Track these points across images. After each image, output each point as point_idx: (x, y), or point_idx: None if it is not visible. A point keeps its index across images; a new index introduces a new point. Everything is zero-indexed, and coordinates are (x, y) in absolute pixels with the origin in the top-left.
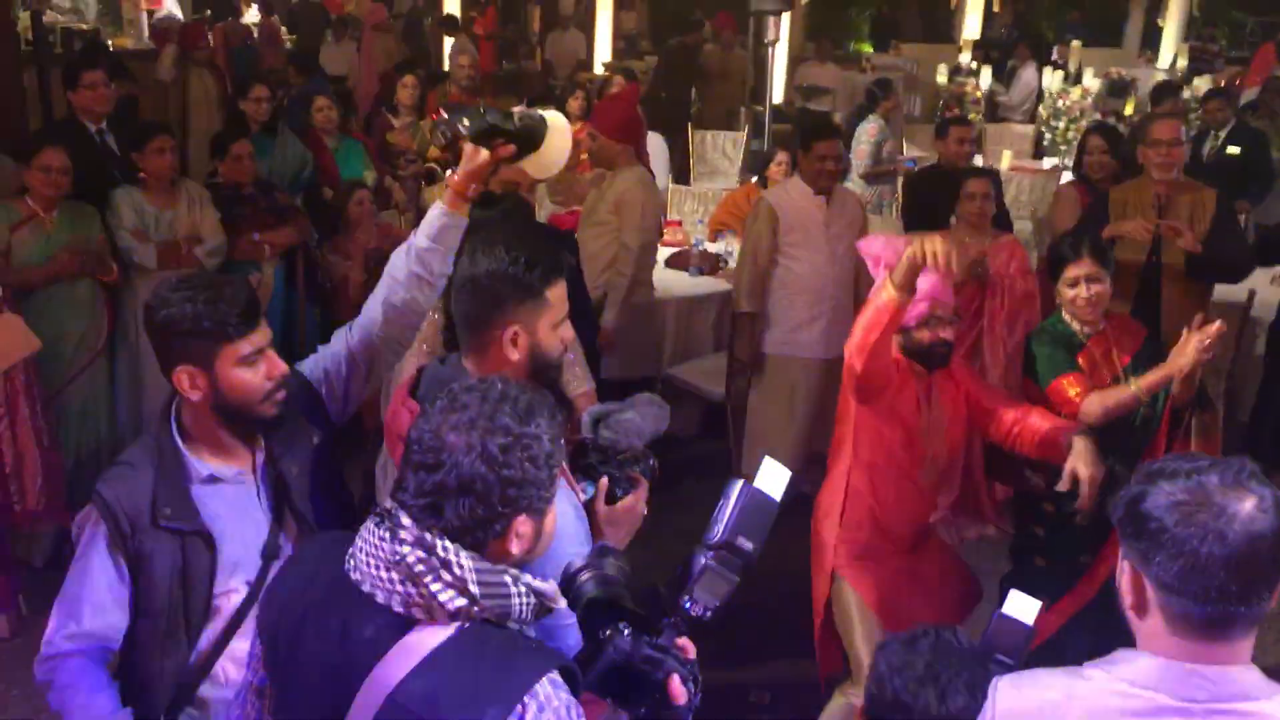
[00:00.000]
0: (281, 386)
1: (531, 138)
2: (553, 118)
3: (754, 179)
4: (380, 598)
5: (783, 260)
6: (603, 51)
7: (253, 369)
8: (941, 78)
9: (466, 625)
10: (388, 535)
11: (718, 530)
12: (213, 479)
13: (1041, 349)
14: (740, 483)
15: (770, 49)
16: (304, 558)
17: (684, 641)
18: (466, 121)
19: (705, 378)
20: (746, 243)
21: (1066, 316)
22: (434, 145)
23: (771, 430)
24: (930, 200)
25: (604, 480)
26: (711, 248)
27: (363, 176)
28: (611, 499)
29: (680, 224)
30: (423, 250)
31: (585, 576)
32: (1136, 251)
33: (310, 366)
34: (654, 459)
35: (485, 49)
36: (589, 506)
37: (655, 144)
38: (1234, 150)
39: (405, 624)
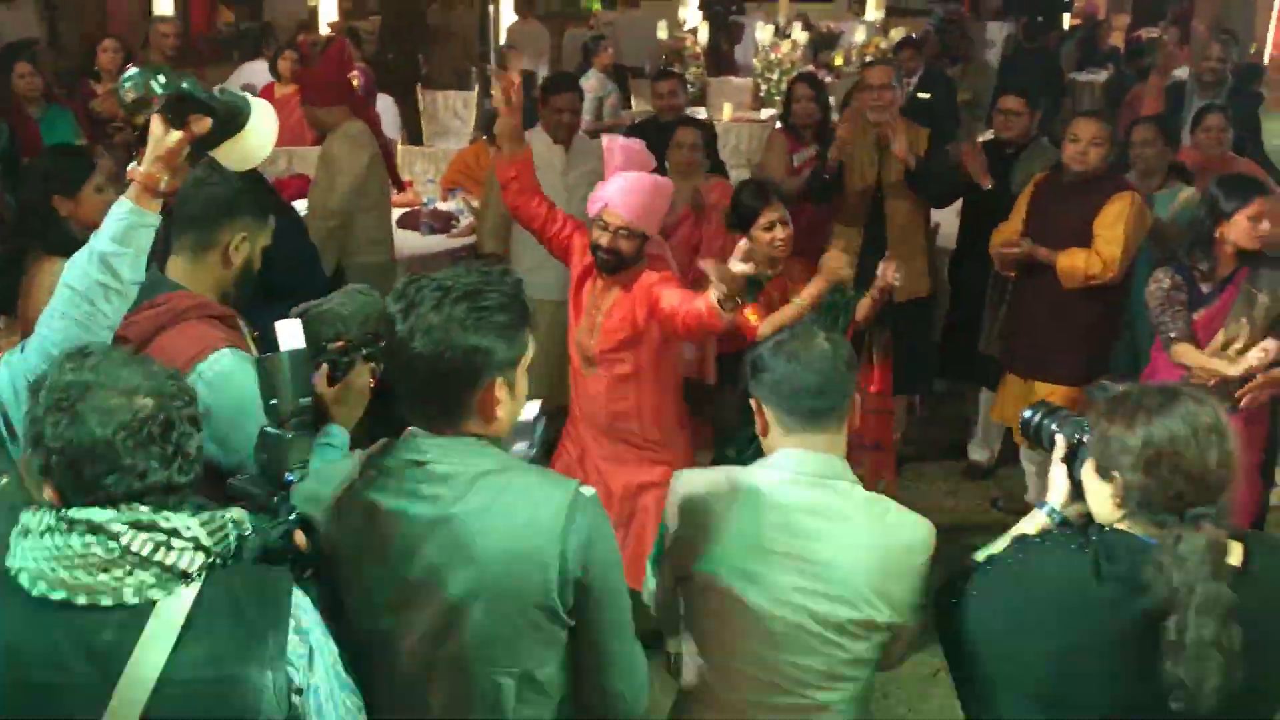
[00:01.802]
0: None
1: (235, 117)
2: (259, 103)
3: (484, 137)
4: (107, 601)
5: None
6: (329, 11)
7: None
8: (662, 33)
9: (204, 580)
10: (87, 540)
11: (285, 404)
12: None
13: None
14: (274, 355)
15: (492, 7)
16: None
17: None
18: (161, 79)
19: None
20: (490, 192)
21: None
22: (121, 106)
23: None
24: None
25: (323, 366)
26: (443, 206)
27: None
28: (332, 382)
29: (410, 184)
30: (107, 255)
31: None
32: (864, 179)
33: None
34: (382, 342)
35: (197, 9)
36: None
37: (384, 105)
38: (924, 95)
39: (141, 609)
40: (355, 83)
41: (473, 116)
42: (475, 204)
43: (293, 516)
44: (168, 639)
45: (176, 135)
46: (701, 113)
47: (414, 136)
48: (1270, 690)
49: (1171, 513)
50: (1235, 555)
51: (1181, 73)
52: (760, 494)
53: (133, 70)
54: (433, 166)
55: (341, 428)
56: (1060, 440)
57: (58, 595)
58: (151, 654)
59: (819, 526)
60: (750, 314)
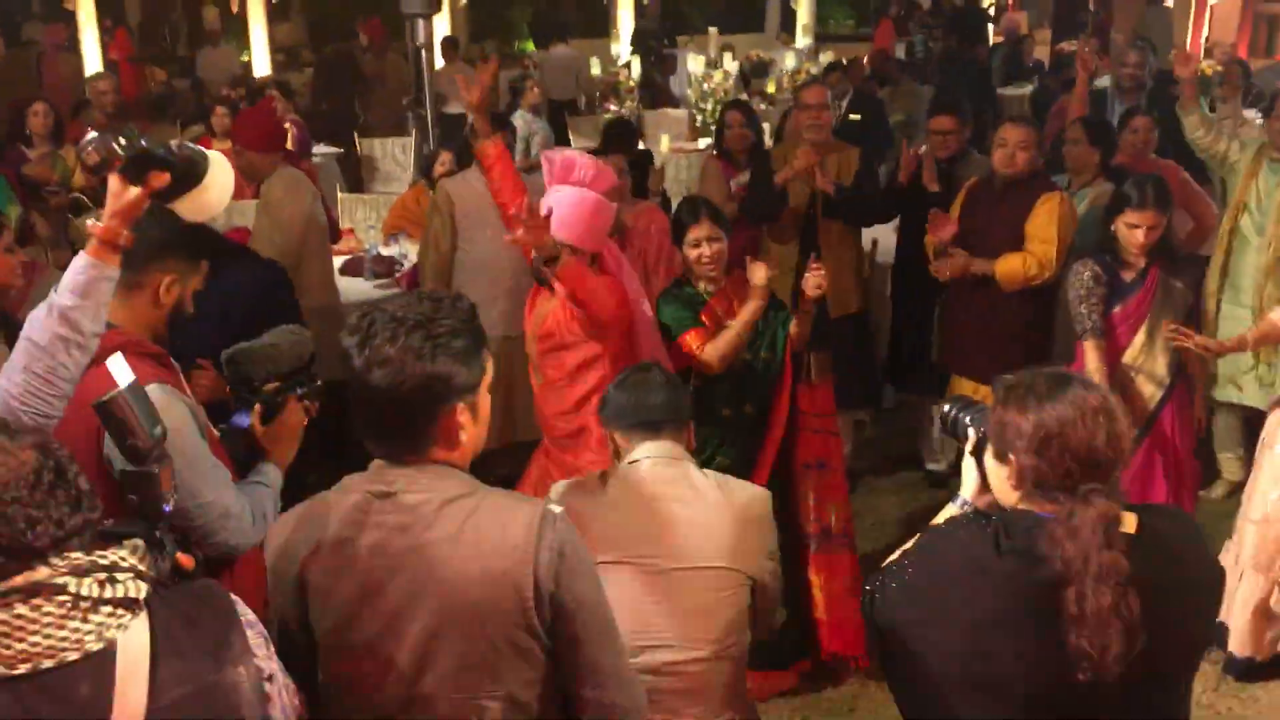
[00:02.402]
0: None
1: (192, 170)
2: (215, 156)
3: (423, 180)
4: (73, 655)
5: (462, 244)
6: (261, 65)
7: None
8: (595, 69)
9: (150, 607)
10: (35, 603)
11: (142, 439)
12: None
13: (667, 309)
14: (114, 396)
15: (424, 52)
16: None
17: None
18: (123, 140)
19: None
20: (429, 233)
21: (691, 278)
22: (82, 168)
23: None
24: None
25: (257, 406)
26: (385, 251)
27: (6, 211)
28: (266, 421)
29: (352, 232)
30: (68, 309)
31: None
32: (800, 197)
33: None
34: (319, 380)
35: (127, 73)
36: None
37: (323, 153)
38: (855, 116)
39: (107, 653)
40: (290, 135)
41: (411, 161)
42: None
43: (173, 547)
44: (142, 671)
45: (135, 191)
46: (641, 145)
47: (354, 184)
48: (1173, 653)
49: (1064, 490)
50: (1130, 525)
51: (1104, 81)
52: (628, 479)
53: (93, 134)
54: (374, 213)
55: (275, 466)
56: (971, 432)
57: (22, 669)
58: (132, 690)
59: (680, 493)
60: (691, 338)
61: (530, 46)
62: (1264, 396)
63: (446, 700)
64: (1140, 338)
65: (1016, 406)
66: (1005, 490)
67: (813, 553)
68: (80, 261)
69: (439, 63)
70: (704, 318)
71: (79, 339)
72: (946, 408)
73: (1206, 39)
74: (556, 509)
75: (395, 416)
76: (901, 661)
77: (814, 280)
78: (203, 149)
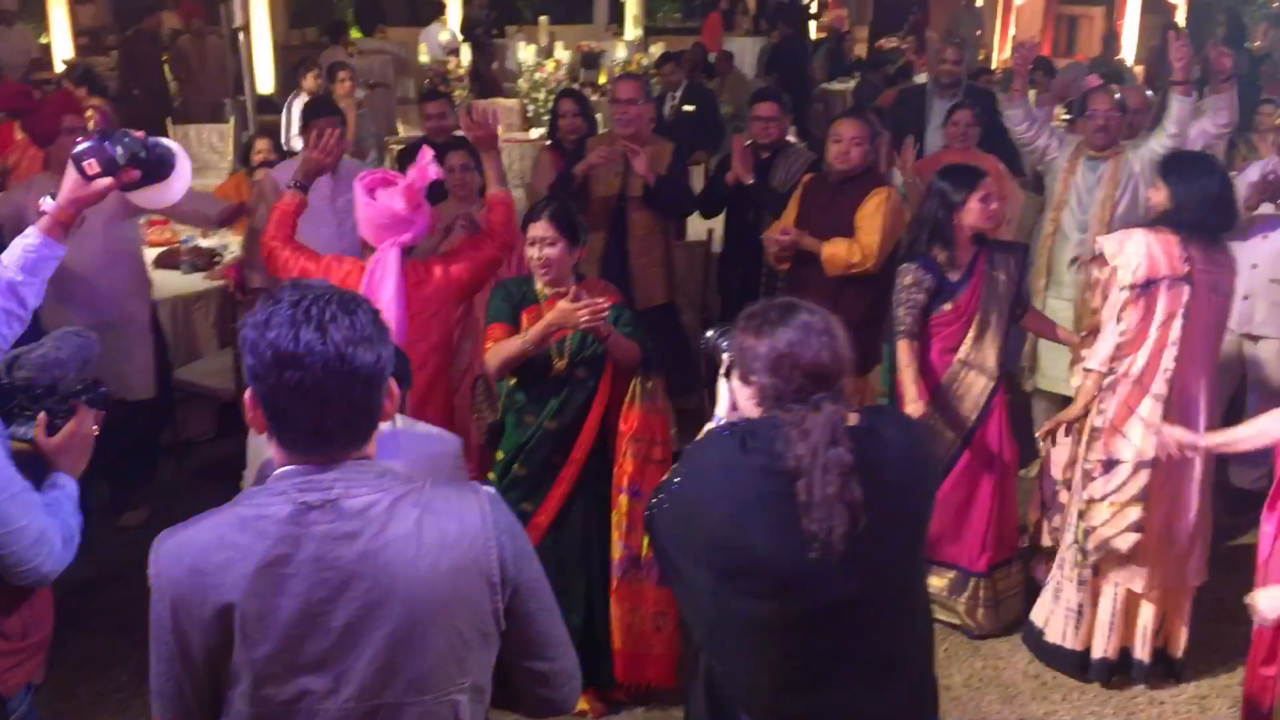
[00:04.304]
0: None
1: (161, 167)
2: (180, 150)
3: (242, 168)
4: None
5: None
6: (63, 48)
7: None
8: (424, 57)
9: None
10: None
11: None
12: None
13: (494, 299)
14: None
15: (241, 35)
16: None
17: None
18: (120, 150)
19: (214, 377)
20: (255, 222)
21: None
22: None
23: None
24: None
25: (41, 415)
26: (204, 243)
27: None
28: (52, 431)
29: (167, 222)
30: (17, 284)
31: None
32: (609, 188)
33: None
34: (103, 387)
35: None
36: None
37: None
38: (689, 107)
39: None
40: (91, 123)
41: (230, 149)
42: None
43: None
44: None
45: (104, 183)
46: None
47: None
48: (895, 529)
49: (798, 401)
50: (854, 420)
51: (923, 77)
52: None
53: (86, 144)
54: None
55: (70, 478)
56: (726, 357)
57: None
58: None
59: None
60: (492, 332)
61: (356, 34)
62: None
63: (417, 705)
64: (972, 332)
65: (753, 333)
66: (750, 407)
67: (618, 580)
68: (32, 239)
69: (259, 45)
70: (525, 316)
71: (21, 313)
72: (709, 334)
73: (1013, 37)
74: (490, 490)
75: (343, 407)
76: (679, 566)
77: (584, 313)
78: (171, 145)
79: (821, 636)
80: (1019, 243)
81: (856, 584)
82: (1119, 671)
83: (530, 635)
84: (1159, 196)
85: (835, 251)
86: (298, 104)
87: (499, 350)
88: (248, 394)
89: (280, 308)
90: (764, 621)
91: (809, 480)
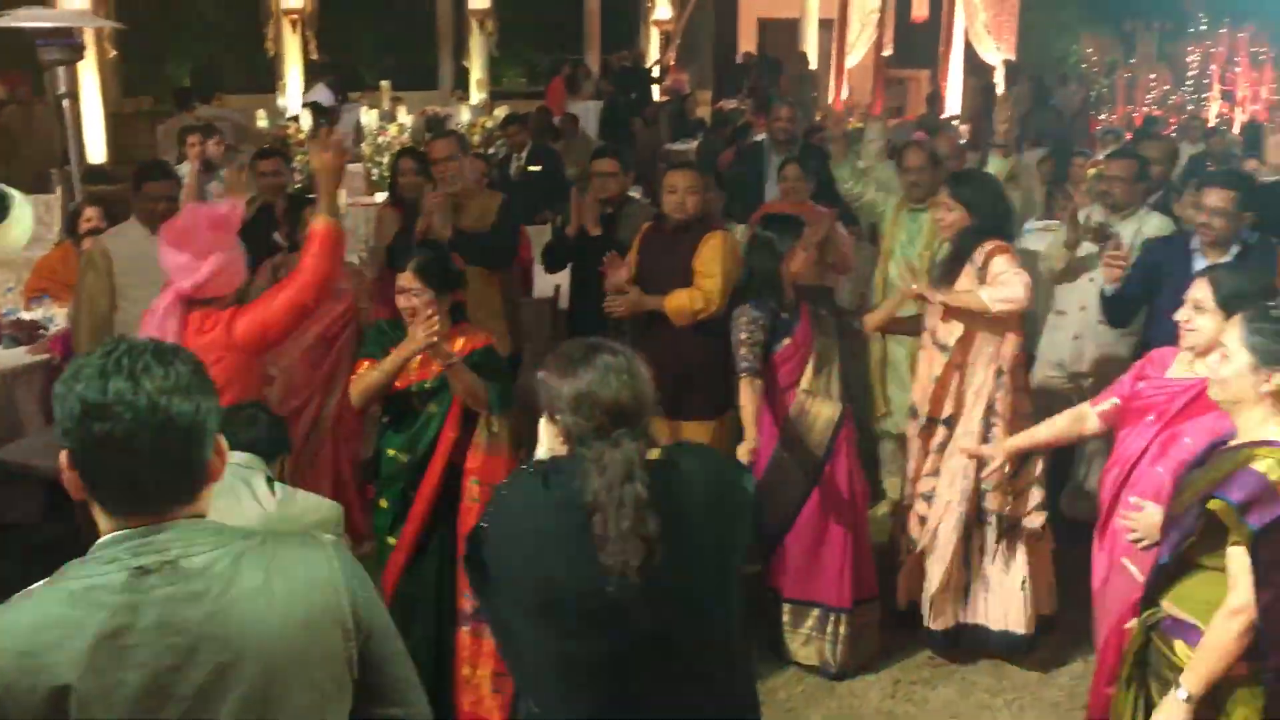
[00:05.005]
0: None
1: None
2: (18, 195)
3: (69, 239)
4: None
5: (123, 303)
6: None
7: None
8: (263, 122)
9: None
10: None
11: None
12: None
13: (366, 338)
14: None
15: (66, 103)
16: None
17: None
18: None
19: (42, 454)
20: (81, 292)
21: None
22: None
23: None
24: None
25: None
26: (27, 315)
27: None
28: None
29: None
30: None
31: None
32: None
33: None
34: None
35: None
36: None
37: None
38: (535, 167)
39: None
40: None
41: (57, 220)
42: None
43: None
44: None
45: None
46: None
47: None
48: (698, 561)
49: (600, 440)
50: (655, 455)
51: (762, 136)
52: None
53: None
54: (13, 275)
55: None
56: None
57: None
58: None
59: None
60: (359, 366)
61: (195, 103)
62: None
63: None
64: (812, 363)
65: (558, 374)
66: (558, 445)
67: (462, 631)
68: None
69: (89, 113)
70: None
71: None
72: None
73: (846, 99)
74: (328, 536)
75: (158, 460)
76: (494, 608)
77: (420, 330)
78: (8, 189)
79: (633, 673)
80: (821, 285)
81: (660, 617)
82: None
83: (383, 682)
84: (953, 215)
85: (678, 304)
86: (184, 168)
87: (359, 381)
88: (63, 455)
89: (92, 359)
90: (574, 660)
91: (604, 515)
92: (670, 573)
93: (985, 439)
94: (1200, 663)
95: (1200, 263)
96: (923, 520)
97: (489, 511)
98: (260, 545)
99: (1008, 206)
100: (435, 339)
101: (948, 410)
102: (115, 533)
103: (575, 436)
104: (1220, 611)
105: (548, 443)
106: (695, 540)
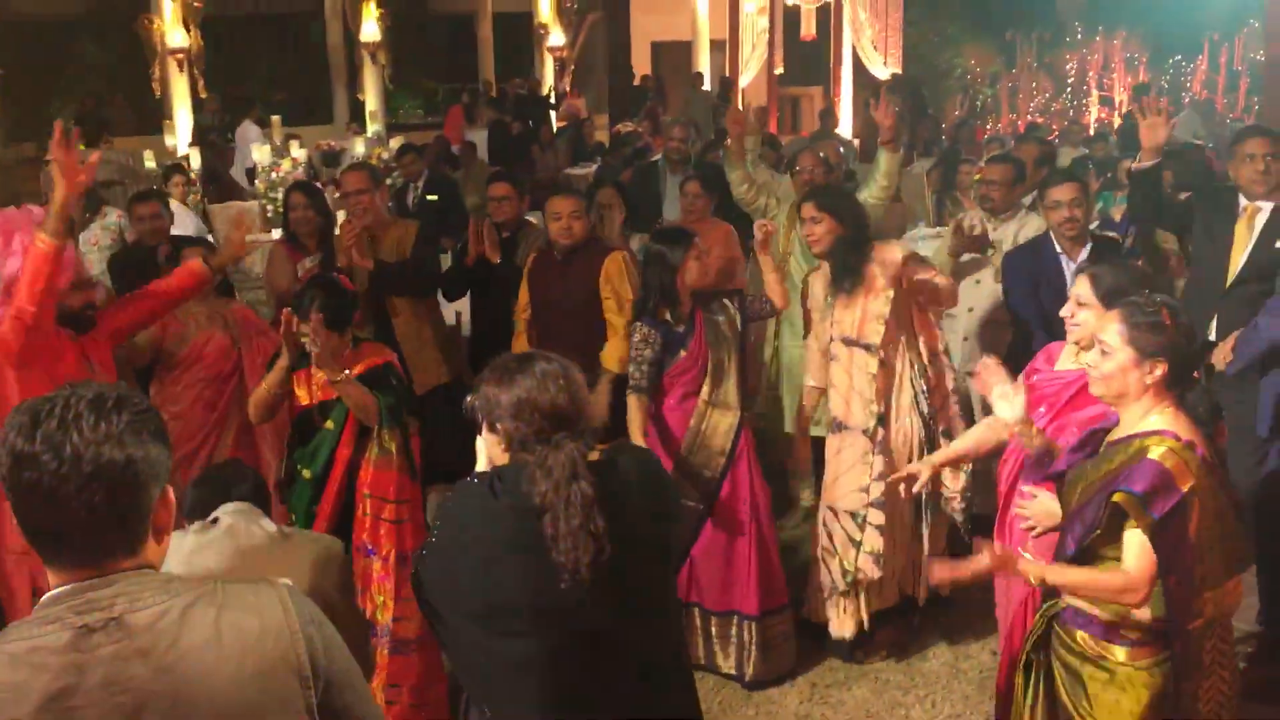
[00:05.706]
0: None
1: None
2: None
3: None
4: None
5: None
6: None
7: None
8: (150, 164)
9: None
10: None
11: None
12: None
13: (271, 360)
14: None
15: None
16: None
17: None
18: None
19: None
20: None
21: None
22: None
23: None
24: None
25: None
26: None
27: None
28: None
29: None
30: None
31: None
32: (361, 281)
33: None
34: None
35: None
36: None
37: None
38: (433, 197)
39: None
40: None
41: None
42: None
43: None
44: None
45: None
46: (211, 238)
47: None
48: (639, 557)
49: (541, 443)
50: (595, 456)
51: (658, 156)
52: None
53: None
54: None
55: None
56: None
57: None
58: None
59: None
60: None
61: (81, 145)
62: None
63: None
64: (709, 373)
65: (495, 383)
66: (498, 454)
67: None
68: None
69: None
70: (297, 377)
71: None
72: (468, 399)
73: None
74: (287, 582)
75: (82, 510)
76: (446, 620)
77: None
78: None
79: (582, 670)
80: (731, 289)
81: (608, 613)
82: None
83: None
84: (822, 227)
85: (616, 358)
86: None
87: (258, 393)
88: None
89: (32, 406)
90: (526, 660)
91: (554, 514)
92: (617, 569)
93: (927, 433)
94: (1073, 575)
95: (1066, 261)
96: (863, 527)
97: (438, 525)
98: (210, 594)
99: (866, 212)
100: (315, 348)
101: (881, 410)
102: (58, 589)
103: (517, 441)
104: (1116, 569)
105: (490, 454)
106: (638, 537)
